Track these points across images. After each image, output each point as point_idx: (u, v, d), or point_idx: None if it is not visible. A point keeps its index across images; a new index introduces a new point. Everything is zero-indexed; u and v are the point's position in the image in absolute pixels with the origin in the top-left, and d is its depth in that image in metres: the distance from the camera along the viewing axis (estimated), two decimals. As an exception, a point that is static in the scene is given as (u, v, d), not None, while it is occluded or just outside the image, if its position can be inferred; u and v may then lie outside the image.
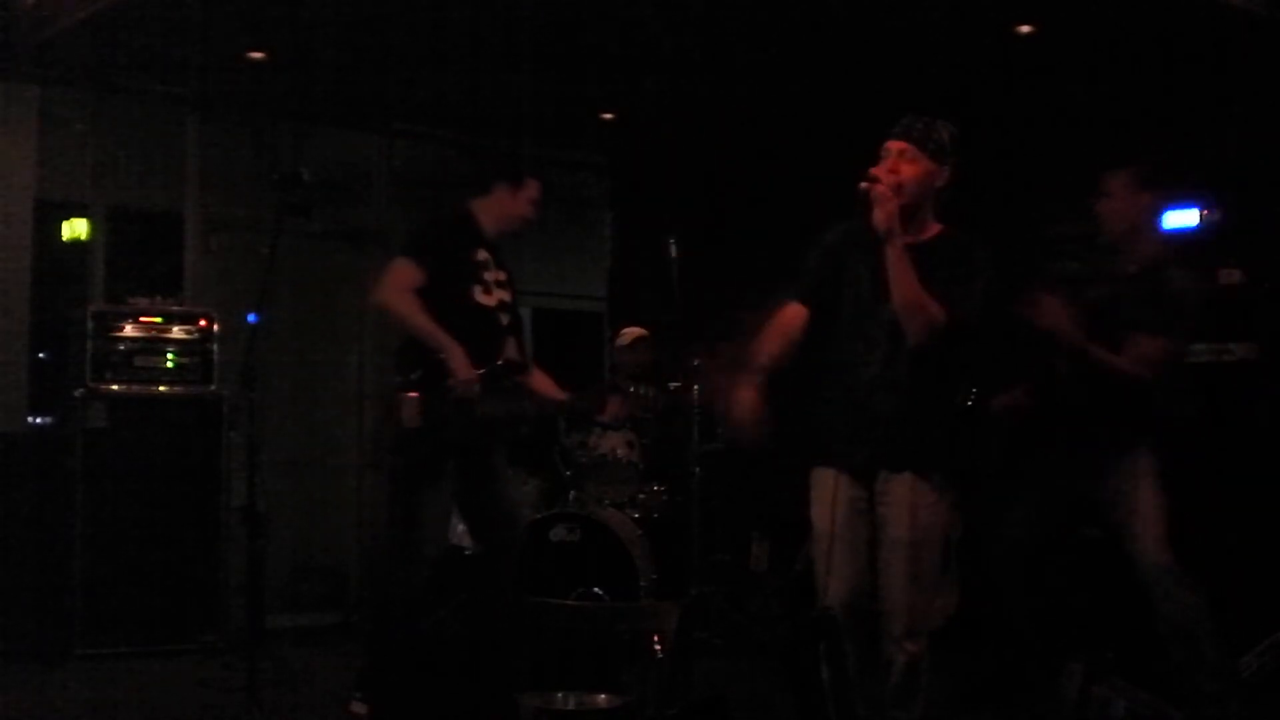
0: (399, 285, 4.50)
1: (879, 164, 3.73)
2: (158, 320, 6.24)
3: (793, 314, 3.82)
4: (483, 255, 4.66)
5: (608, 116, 7.66)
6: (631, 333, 7.02)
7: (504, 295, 4.71)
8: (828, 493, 3.78)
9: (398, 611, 4.60)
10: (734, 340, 3.85)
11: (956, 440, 3.82)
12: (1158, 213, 4.59)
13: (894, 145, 3.74)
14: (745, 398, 3.67)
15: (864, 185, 3.65)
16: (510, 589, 4.89)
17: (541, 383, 4.82)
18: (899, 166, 3.71)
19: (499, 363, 4.61)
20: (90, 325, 6.09)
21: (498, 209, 4.73)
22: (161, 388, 6.21)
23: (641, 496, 6.41)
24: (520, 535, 4.91)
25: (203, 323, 6.32)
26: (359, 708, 4.50)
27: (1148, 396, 4.42)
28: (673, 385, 6.71)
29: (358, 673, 4.60)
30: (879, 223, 3.64)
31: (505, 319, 4.72)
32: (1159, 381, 4.40)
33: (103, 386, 6.08)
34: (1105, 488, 4.46)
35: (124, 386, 6.12)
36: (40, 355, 6.66)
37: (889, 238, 3.63)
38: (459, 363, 4.42)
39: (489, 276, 4.65)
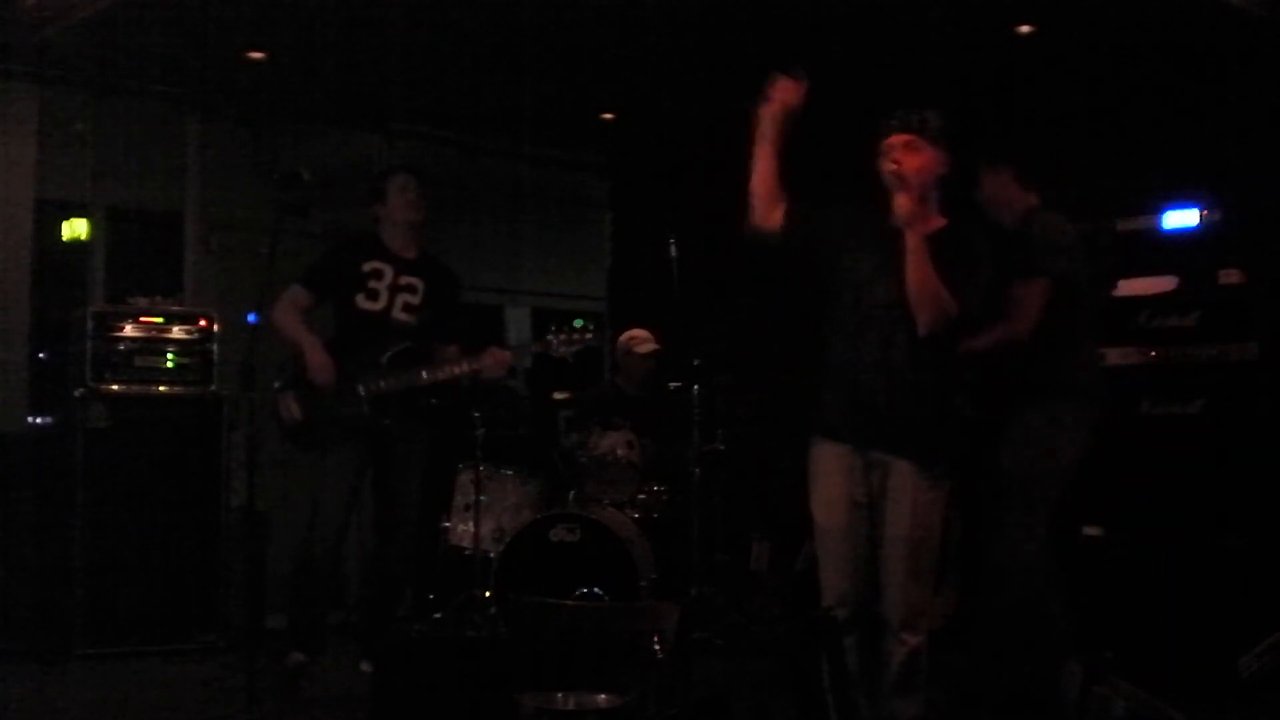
0: (282, 306, 5.24)
1: (883, 160, 3.73)
2: (158, 320, 6.23)
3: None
4: (371, 266, 5.27)
5: (608, 116, 7.66)
6: (649, 345, 6.93)
7: (409, 299, 5.29)
8: (829, 484, 3.80)
9: (299, 582, 5.35)
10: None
11: (954, 426, 3.84)
12: (1019, 179, 4.90)
13: (897, 139, 3.74)
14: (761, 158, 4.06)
15: (891, 167, 3.67)
16: (401, 585, 5.70)
17: (445, 354, 5.30)
18: (906, 159, 3.70)
19: (389, 353, 5.18)
20: (90, 325, 6.08)
21: (385, 223, 5.41)
22: (161, 388, 6.20)
23: (641, 496, 6.40)
24: (410, 536, 5.45)
25: (203, 323, 6.31)
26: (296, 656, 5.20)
27: (1026, 354, 4.61)
28: (673, 385, 6.71)
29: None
30: (902, 209, 3.64)
31: (404, 319, 5.27)
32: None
33: (103, 386, 6.07)
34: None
35: (124, 386, 6.12)
36: (40, 355, 6.66)
37: (910, 224, 3.63)
38: (313, 357, 5.09)
39: (376, 285, 5.26)
